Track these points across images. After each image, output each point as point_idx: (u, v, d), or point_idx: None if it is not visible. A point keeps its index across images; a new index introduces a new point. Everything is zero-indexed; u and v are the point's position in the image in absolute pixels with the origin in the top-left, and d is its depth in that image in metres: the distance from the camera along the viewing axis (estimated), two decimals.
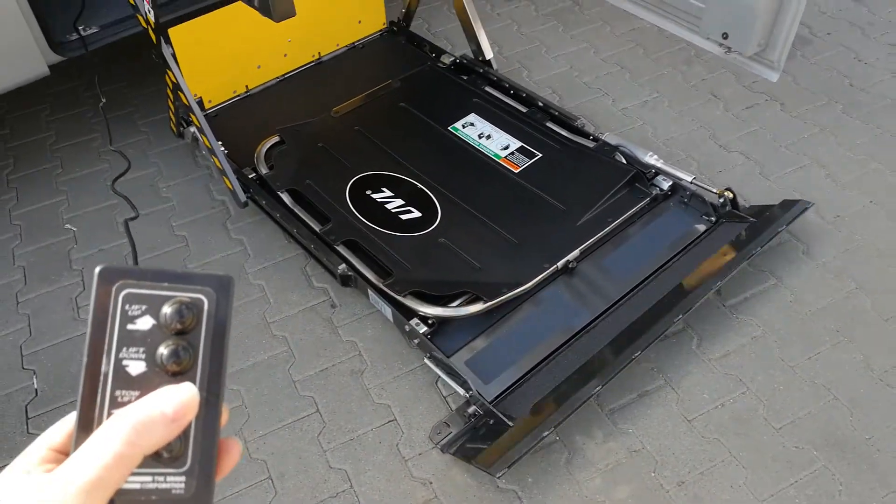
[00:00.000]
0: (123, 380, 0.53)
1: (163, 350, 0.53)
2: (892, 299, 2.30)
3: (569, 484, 1.96)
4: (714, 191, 2.45)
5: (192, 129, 2.80)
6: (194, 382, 0.54)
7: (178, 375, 0.54)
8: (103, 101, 2.84)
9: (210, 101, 2.95)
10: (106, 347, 0.53)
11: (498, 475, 1.83)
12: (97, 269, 0.53)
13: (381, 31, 3.33)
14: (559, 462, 2.00)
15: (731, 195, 2.44)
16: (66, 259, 2.68)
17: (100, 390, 0.52)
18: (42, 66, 2.63)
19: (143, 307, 0.53)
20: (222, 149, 2.62)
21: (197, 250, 2.66)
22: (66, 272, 2.63)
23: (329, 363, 2.28)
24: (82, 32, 2.72)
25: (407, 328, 2.18)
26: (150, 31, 2.43)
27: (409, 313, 2.20)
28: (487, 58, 3.04)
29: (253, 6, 1.61)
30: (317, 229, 2.47)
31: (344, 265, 2.35)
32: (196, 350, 0.54)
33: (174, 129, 2.96)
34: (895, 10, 3.39)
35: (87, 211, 2.84)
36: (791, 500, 1.89)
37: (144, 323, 0.53)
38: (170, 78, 2.61)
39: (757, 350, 2.21)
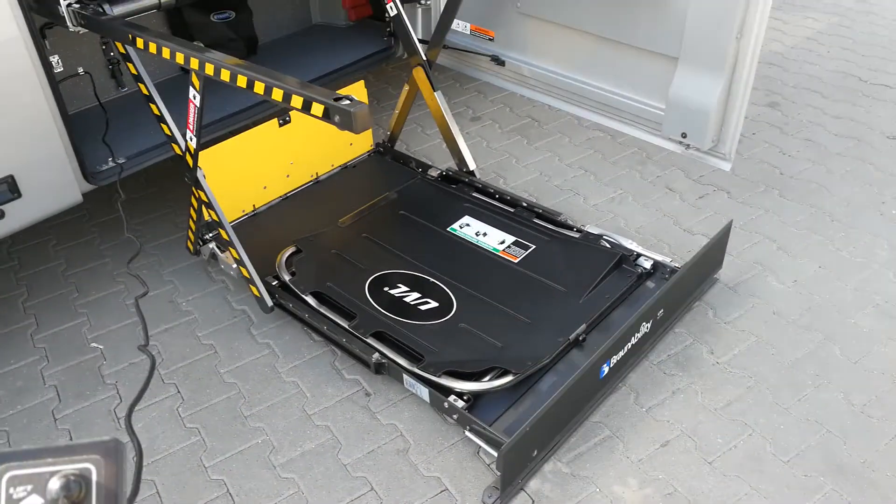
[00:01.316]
0: None
1: None
2: (855, 346, 2.68)
3: None
4: (678, 266, 2.84)
5: (211, 245, 3.02)
6: None
7: None
8: (122, 197, 3.01)
9: None
10: None
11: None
12: None
13: (369, 151, 3.70)
14: None
15: None
16: (97, 375, 2.78)
17: None
18: (77, 194, 2.82)
19: (29, 487, 0.53)
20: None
21: (226, 357, 2.82)
22: (101, 387, 2.73)
23: (374, 445, 2.45)
24: (113, 162, 2.95)
25: (446, 405, 2.39)
26: (188, 157, 2.69)
27: (446, 391, 2.42)
28: (471, 168, 3.41)
29: (332, 123, 1.88)
30: (345, 325, 2.69)
31: (377, 354, 2.57)
32: None
33: (190, 248, 3.16)
34: (802, 112, 3.99)
35: (110, 329, 2.97)
36: None
37: (32, 503, 0.53)
38: (198, 198, 2.84)
39: (754, 397, 2.52)
